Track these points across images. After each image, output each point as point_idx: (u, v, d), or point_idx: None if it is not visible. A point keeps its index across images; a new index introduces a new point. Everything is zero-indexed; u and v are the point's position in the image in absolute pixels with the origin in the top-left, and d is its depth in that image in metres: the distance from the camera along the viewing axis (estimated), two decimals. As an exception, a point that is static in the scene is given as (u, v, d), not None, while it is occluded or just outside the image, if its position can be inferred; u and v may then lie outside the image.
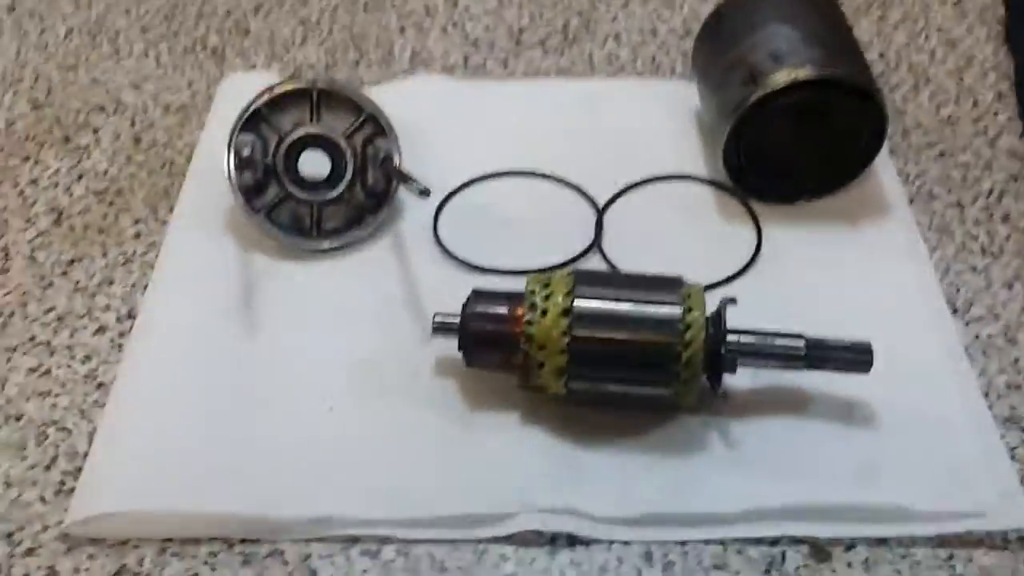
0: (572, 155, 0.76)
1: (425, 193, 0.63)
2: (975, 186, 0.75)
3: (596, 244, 0.71)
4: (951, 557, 0.55)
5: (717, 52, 0.73)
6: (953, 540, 0.56)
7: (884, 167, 0.74)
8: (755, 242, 0.71)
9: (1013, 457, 0.59)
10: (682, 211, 0.73)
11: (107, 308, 0.67)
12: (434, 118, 0.79)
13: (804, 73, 0.66)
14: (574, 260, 0.69)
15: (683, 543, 0.56)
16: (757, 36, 0.70)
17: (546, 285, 0.59)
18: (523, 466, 0.58)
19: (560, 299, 0.58)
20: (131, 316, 0.67)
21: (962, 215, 0.73)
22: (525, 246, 0.70)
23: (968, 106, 0.82)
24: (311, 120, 0.70)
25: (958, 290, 0.68)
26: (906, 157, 0.77)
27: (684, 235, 0.72)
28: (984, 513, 0.56)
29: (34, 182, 0.76)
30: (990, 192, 0.75)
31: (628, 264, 0.69)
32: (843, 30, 0.72)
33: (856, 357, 0.59)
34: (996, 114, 0.81)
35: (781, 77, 0.67)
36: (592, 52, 0.87)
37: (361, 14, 0.91)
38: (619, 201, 0.74)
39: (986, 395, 0.62)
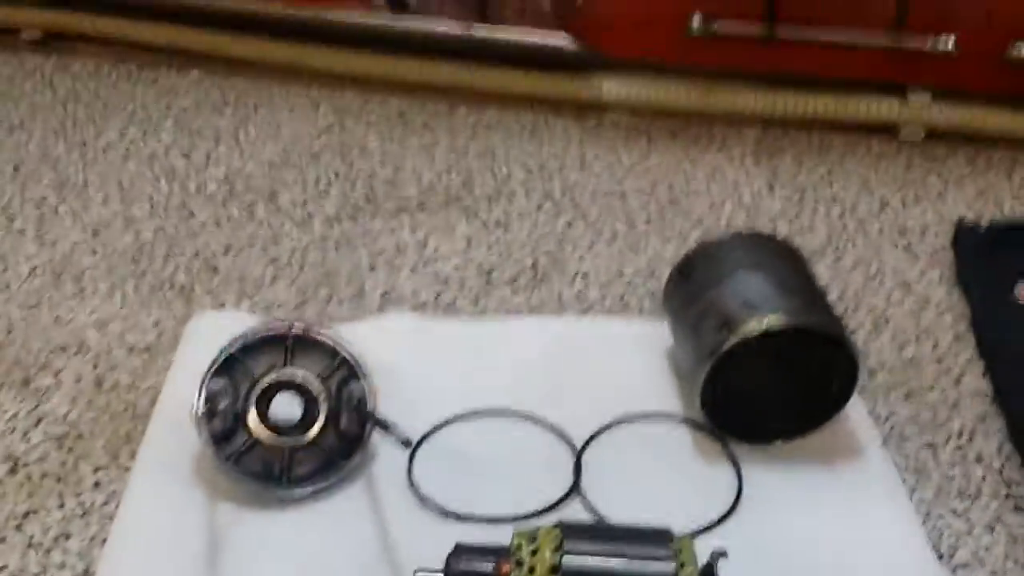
0: (547, 394, 0.76)
1: (407, 443, 0.61)
2: (946, 426, 0.76)
3: (576, 487, 0.69)
4: None
5: (689, 297, 0.74)
6: None
7: (855, 408, 0.75)
8: (735, 483, 0.70)
9: None
10: (661, 451, 0.72)
11: (63, 566, 0.63)
12: (406, 357, 0.78)
13: (777, 322, 0.68)
14: (555, 505, 0.68)
15: None
16: (728, 283, 0.72)
17: (532, 539, 0.57)
18: None
19: (548, 555, 0.56)
20: (88, 574, 0.62)
21: (936, 456, 0.73)
22: (503, 490, 0.69)
23: (929, 347, 0.84)
24: (285, 363, 0.69)
25: (941, 534, 0.67)
26: (875, 398, 0.78)
27: (664, 477, 0.71)
28: None
29: (-11, 427, 0.73)
30: (960, 432, 0.75)
31: (608, 507, 0.68)
32: (809, 278, 0.75)
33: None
34: (957, 355, 0.83)
35: (754, 325, 0.68)
36: (561, 291, 0.88)
37: (332, 252, 0.92)
38: (596, 441, 0.73)
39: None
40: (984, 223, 0.97)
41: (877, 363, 0.82)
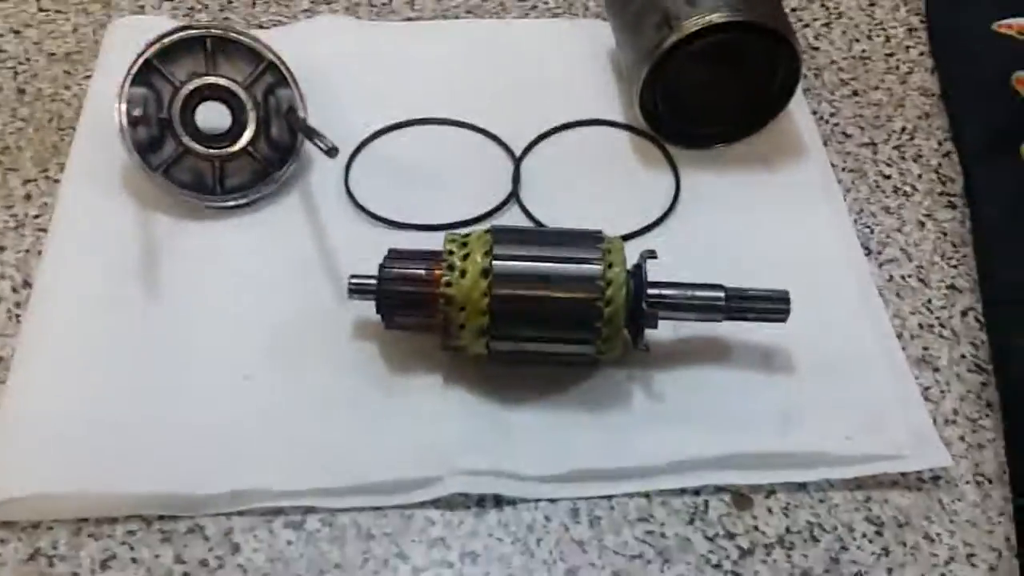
0: (487, 100, 0.74)
1: (333, 152, 0.60)
2: (887, 124, 0.75)
3: (514, 195, 0.69)
4: (868, 499, 0.57)
5: (628, -7, 0.71)
6: (870, 482, 0.57)
7: (799, 108, 0.74)
8: (673, 188, 0.70)
9: (926, 398, 0.60)
10: (600, 158, 0.72)
11: (1, 277, 0.64)
12: (339, 63, 0.75)
13: (718, 17, 0.65)
14: (492, 213, 0.68)
15: (609, 498, 0.56)
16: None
17: (464, 244, 0.58)
18: (447, 429, 0.57)
19: (479, 259, 0.57)
20: (27, 285, 0.63)
21: (875, 155, 0.73)
22: (441, 198, 0.68)
23: (880, 41, 0.81)
24: (207, 70, 0.67)
25: (872, 231, 0.69)
26: (820, 97, 0.77)
27: (603, 182, 0.70)
28: (898, 455, 0.57)
29: (-92, 141, 0.71)
30: (902, 130, 0.75)
31: (547, 213, 0.68)
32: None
33: (774, 307, 0.59)
34: (908, 49, 0.81)
35: (695, 21, 0.65)
36: (503, -12, 0.84)
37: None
38: (536, 149, 0.72)
39: (900, 336, 0.63)
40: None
41: (826, 60, 0.80)
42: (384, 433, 0.57)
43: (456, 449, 0.56)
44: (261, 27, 0.80)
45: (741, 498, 0.56)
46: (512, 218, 0.68)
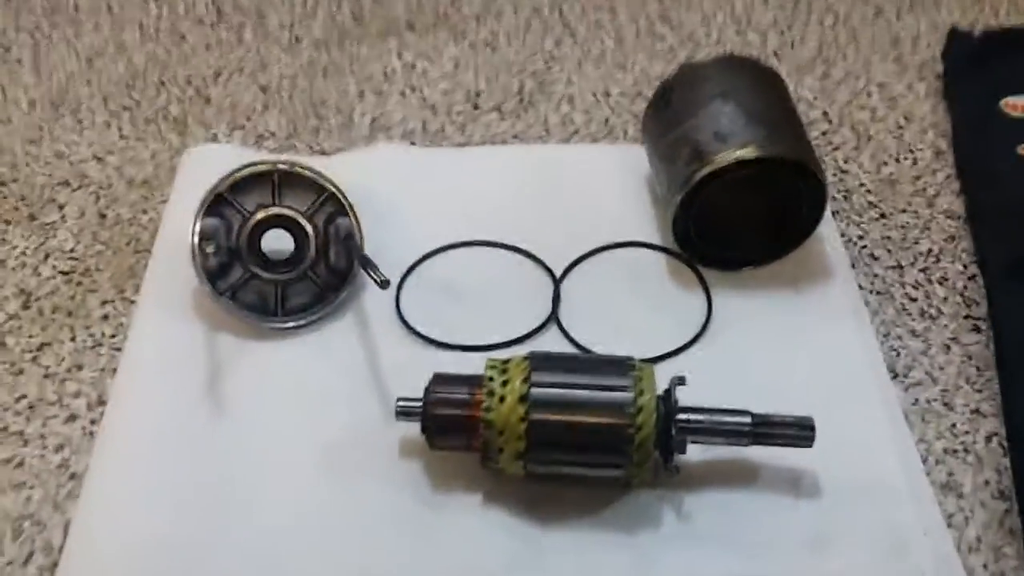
0: (530, 223, 0.79)
1: (385, 284, 0.65)
2: (913, 247, 0.78)
3: (554, 316, 0.73)
4: (892, 624, 0.59)
5: (665, 127, 0.75)
6: (901, 609, 0.59)
7: (828, 230, 0.77)
8: (706, 309, 0.74)
9: (950, 524, 0.62)
10: (637, 279, 0.76)
11: (77, 395, 0.69)
12: (394, 188, 0.81)
13: (745, 153, 0.69)
14: (532, 334, 0.72)
15: (641, 621, 0.59)
16: (701, 114, 0.73)
17: (504, 371, 0.62)
18: (487, 548, 0.61)
19: (518, 385, 0.61)
20: (101, 402, 0.68)
21: (901, 277, 0.76)
22: (485, 317, 0.73)
23: (908, 164, 0.85)
24: (273, 201, 0.72)
25: (898, 354, 0.71)
26: (848, 219, 0.80)
27: (639, 303, 0.74)
28: (922, 581, 0.59)
29: (1, 263, 0.77)
30: (928, 253, 0.78)
31: (584, 333, 0.72)
32: (784, 104, 0.75)
33: (799, 433, 0.62)
34: (935, 172, 0.84)
35: (725, 156, 0.70)
36: (547, 115, 0.89)
37: (320, 79, 0.93)
38: (575, 270, 0.76)
39: (925, 461, 0.65)
40: (978, 32, 0.95)
41: (855, 183, 0.83)
42: (428, 555, 0.61)
43: (495, 570, 0.60)
44: (324, 153, 0.86)
45: (767, 622, 0.59)
46: (551, 337, 0.72)
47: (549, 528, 0.62)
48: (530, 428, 0.60)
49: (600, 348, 0.71)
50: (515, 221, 0.79)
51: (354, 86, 0.92)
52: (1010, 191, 0.80)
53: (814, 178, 0.71)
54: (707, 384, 0.63)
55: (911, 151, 0.86)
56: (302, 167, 0.73)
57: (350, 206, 0.73)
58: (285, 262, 0.72)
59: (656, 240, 0.78)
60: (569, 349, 0.72)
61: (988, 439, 0.67)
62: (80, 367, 0.71)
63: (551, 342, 0.72)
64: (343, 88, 0.92)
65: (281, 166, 0.72)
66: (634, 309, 0.74)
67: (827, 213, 0.75)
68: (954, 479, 0.65)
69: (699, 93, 0.74)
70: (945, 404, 0.68)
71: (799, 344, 0.71)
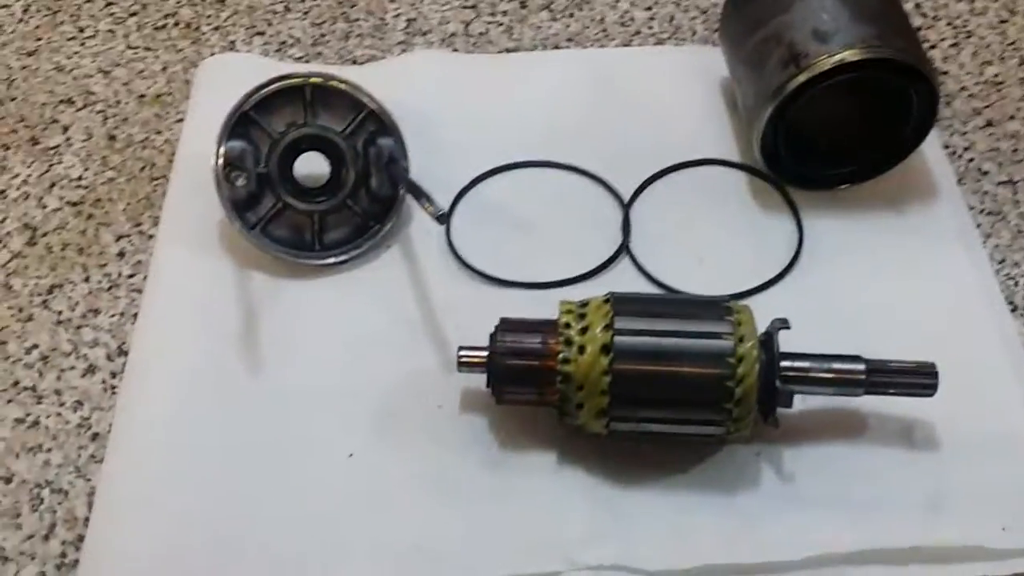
0: (592, 139, 0.70)
1: (443, 218, 0.57)
2: (1029, 160, 0.70)
3: (624, 246, 0.65)
4: (1028, 597, 0.52)
5: (750, 24, 0.66)
6: (1030, 578, 0.52)
7: (930, 142, 0.68)
8: (796, 236, 0.65)
9: (1087, 480, 0.55)
10: (715, 202, 0.67)
11: (95, 344, 0.62)
12: (437, 102, 0.72)
13: (852, 54, 0.60)
14: (602, 268, 0.64)
15: (741, 593, 0.52)
16: (796, 9, 0.63)
17: (582, 316, 0.54)
18: (564, 516, 0.54)
19: (599, 333, 0.53)
20: (122, 352, 0.61)
21: (1015, 194, 0.68)
22: (547, 250, 0.65)
23: (1014, 64, 0.75)
24: (306, 120, 0.64)
25: (1017, 284, 0.63)
26: (951, 129, 0.71)
27: (719, 230, 0.66)
28: (1061, 548, 0.52)
29: (2, 193, 0.69)
30: (1042, 167, 0.69)
31: (659, 266, 0.64)
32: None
33: (920, 382, 0.54)
34: (1046, 72, 0.75)
35: (827, 60, 0.60)
36: (604, 13, 0.79)
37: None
38: (645, 193, 0.68)
39: (1053, 406, 0.58)
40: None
41: (955, 87, 0.74)
42: (496, 522, 0.54)
43: (576, 542, 0.53)
44: (355, 62, 0.76)
45: (885, 594, 0.52)
46: (623, 271, 0.64)
47: (634, 492, 0.55)
48: (615, 381, 0.52)
49: (678, 282, 0.63)
50: (574, 138, 0.70)
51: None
52: None
53: (926, 83, 0.62)
54: (802, 322, 0.55)
55: (1017, 48, 0.76)
56: (339, 80, 0.64)
57: (394, 125, 0.64)
58: (321, 189, 0.64)
59: (737, 157, 0.69)
60: (643, 282, 0.64)
61: None
62: (96, 312, 0.63)
63: (623, 276, 0.64)
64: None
65: (314, 79, 0.63)
66: (715, 237, 0.66)
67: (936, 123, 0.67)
68: (1091, 428, 0.57)
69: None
70: (1078, 340, 0.61)
71: (903, 275, 0.63)
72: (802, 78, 0.61)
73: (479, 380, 0.56)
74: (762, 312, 0.55)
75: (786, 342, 0.54)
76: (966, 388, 0.57)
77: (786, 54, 0.62)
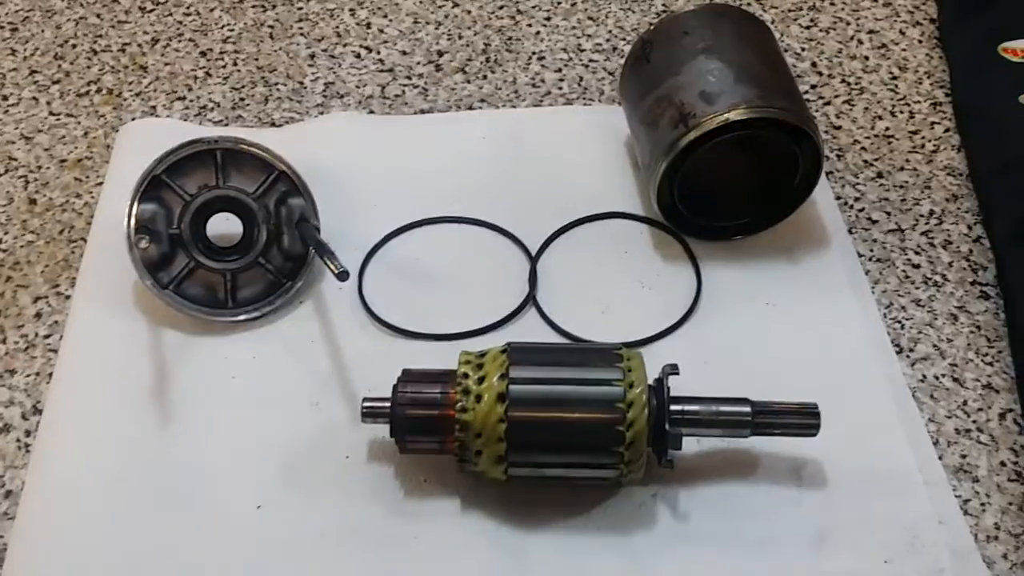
0: (501, 195, 0.73)
1: (343, 275, 0.59)
2: (914, 208, 0.73)
3: (531, 297, 0.67)
4: (909, 625, 0.54)
5: (645, 87, 0.69)
6: (911, 607, 0.54)
7: (822, 193, 0.72)
8: (695, 285, 0.68)
9: (965, 511, 0.58)
10: (618, 254, 0.70)
11: (10, 403, 0.63)
12: (352, 161, 0.74)
13: (736, 114, 0.63)
14: (508, 319, 0.66)
15: (636, 631, 0.54)
16: (685, 71, 0.66)
17: (479, 366, 0.56)
18: (467, 561, 0.55)
19: (495, 382, 0.55)
20: (37, 411, 0.62)
21: (903, 242, 0.71)
22: (457, 302, 0.67)
23: (904, 118, 0.79)
24: (218, 182, 0.66)
25: (902, 326, 0.66)
26: (843, 179, 0.75)
27: (622, 280, 0.69)
28: (940, 577, 0.55)
29: (-79, 258, 0.70)
30: (930, 214, 0.73)
31: (565, 314, 0.66)
32: (773, 58, 0.69)
33: (802, 422, 0.57)
34: (932, 125, 0.79)
35: (712, 120, 0.63)
36: (516, 75, 0.83)
37: (267, 42, 0.85)
38: (552, 246, 0.70)
39: (936, 443, 0.60)
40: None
41: (848, 140, 0.78)
42: (401, 567, 0.55)
43: (475, 582, 0.54)
44: (274, 124, 0.79)
45: (774, 628, 0.54)
46: (530, 322, 0.66)
47: (533, 534, 0.56)
48: (510, 429, 0.54)
49: (583, 331, 0.65)
50: (485, 194, 0.73)
51: (304, 48, 0.85)
52: (1014, 144, 0.74)
53: (810, 140, 0.65)
54: (698, 367, 0.58)
55: (907, 103, 0.80)
56: (248, 143, 0.66)
57: (303, 185, 0.67)
58: (234, 248, 0.66)
59: (639, 210, 0.72)
60: (549, 333, 0.66)
61: (1002, 416, 0.62)
62: (12, 372, 0.64)
63: (529, 326, 0.66)
64: (292, 51, 0.84)
65: (224, 143, 0.66)
66: (618, 287, 0.68)
67: (825, 174, 0.70)
68: (967, 462, 0.60)
69: (681, 47, 0.68)
70: (955, 380, 0.64)
71: (795, 320, 0.66)
72: (691, 136, 0.64)
73: (384, 430, 0.57)
74: (662, 359, 0.57)
75: (681, 387, 0.57)
76: (853, 428, 0.60)
77: (676, 114, 0.65)
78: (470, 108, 0.80)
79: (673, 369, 0.57)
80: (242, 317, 0.66)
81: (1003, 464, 0.60)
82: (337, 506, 0.57)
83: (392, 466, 0.59)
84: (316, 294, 0.67)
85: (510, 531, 0.57)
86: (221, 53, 0.84)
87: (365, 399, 0.57)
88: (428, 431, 0.56)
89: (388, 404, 0.57)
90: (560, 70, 0.83)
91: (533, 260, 0.69)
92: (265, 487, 0.58)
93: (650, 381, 0.56)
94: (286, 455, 0.59)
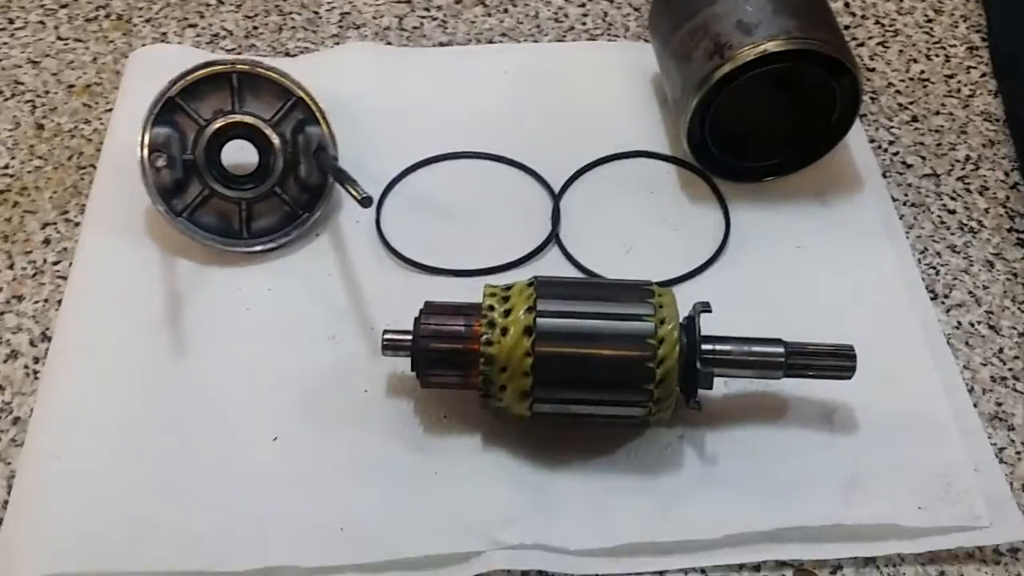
0: (523, 131, 0.70)
1: (367, 201, 0.56)
2: (950, 154, 0.71)
3: (554, 235, 0.65)
4: (942, 574, 0.53)
5: (677, 18, 0.66)
6: (944, 555, 0.53)
7: (855, 136, 0.70)
8: (723, 226, 0.66)
9: (1001, 460, 0.56)
10: (644, 193, 0.68)
11: (18, 329, 0.61)
12: (369, 93, 0.72)
13: (775, 45, 0.61)
14: (531, 256, 0.64)
15: (661, 573, 0.52)
16: (721, 2, 0.64)
17: (505, 299, 0.54)
18: (488, 498, 0.54)
19: (521, 315, 0.53)
20: (46, 338, 0.60)
21: (938, 187, 0.69)
22: (477, 239, 0.65)
23: (939, 62, 0.77)
24: (233, 107, 0.63)
25: (937, 272, 0.64)
26: (877, 123, 0.73)
27: (647, 221, 0.67)
28: (975, 526, 0.53)
29: (-76, 181, 0.68)
30: (966, 160, 0.71)
31: (588, 255, 0.64)
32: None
33: (839, 363, 0.55)
34: (969, 70, 0.76)
35: (750, 51, 0.61)
36: (538, 9, 0.80)
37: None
38: (576, 184, 0.68)
39: (971, 391, 0.59)
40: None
41: (882, 83, 0.75)
42: (420, 502, 0.54)
43: (497, 521, 0.53)
44: (288, 54, 0.76)
45: (804, 574, 0.52)
46: (552, 260, 0.65)
47: (557, 473, 0.55)
48: (537, 363, 0.52)
49: (606, 271, 0.63)
50: (506, 130, 0.70)
51: (321, -23, 0.82)
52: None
53: (850, 75, 0.63)
54: (727, 310, 0.56)
55: (943, 47, 0.78)
56: (265, 67, 0.64)
57: (321, 112, 0.64)
58: (249, 177, 0.64)
59: (666, 149, 0.70)
60: (571, 271, 0.64)
61: (1041, 365, 0.60)
62: (20, 298, 0.62)
63: (552, 265, 0.64)
64: (308, -21, 0.82)
65: (241, 66, 0.63)
66: (643, 227, 0.66)
67: (861, 116, 0.68)
68: (1003, 409, 0.58)
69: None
70: (991, 327, 0.62)
71: (827, 263, 0.64)
72: (726, 68, 0.62)
73: (404, 364, 0.55)
74: (688, 300, 0.55)
75: (711, 328, 0.55)
76: (886, 373, 0.58)
77: (711, 46, 0.63)
78: (490, 42, 0.78)
79: (705, 307, 0.55)
80: (257, 248, 0.64)
81: (1040, 413, 0.58)
82: (355, 440, 0.56)
83: (412, 401, 0.57)
84: (333, 227, 0.65)
85: (532, 469, 0.55)
86: (235, -21, 0.82)
87: (386, 331, 0.55)
88: (451, 365, 0.54)
89: (410, 337, 0.55)
90: (584, 4, 0.80)
91: (556, 198, 0.67)
92: (281, 419, 0.56)
93: (681, 320, 0.54)
94: (303, 388, 0.58)
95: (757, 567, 0.53)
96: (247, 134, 0.63)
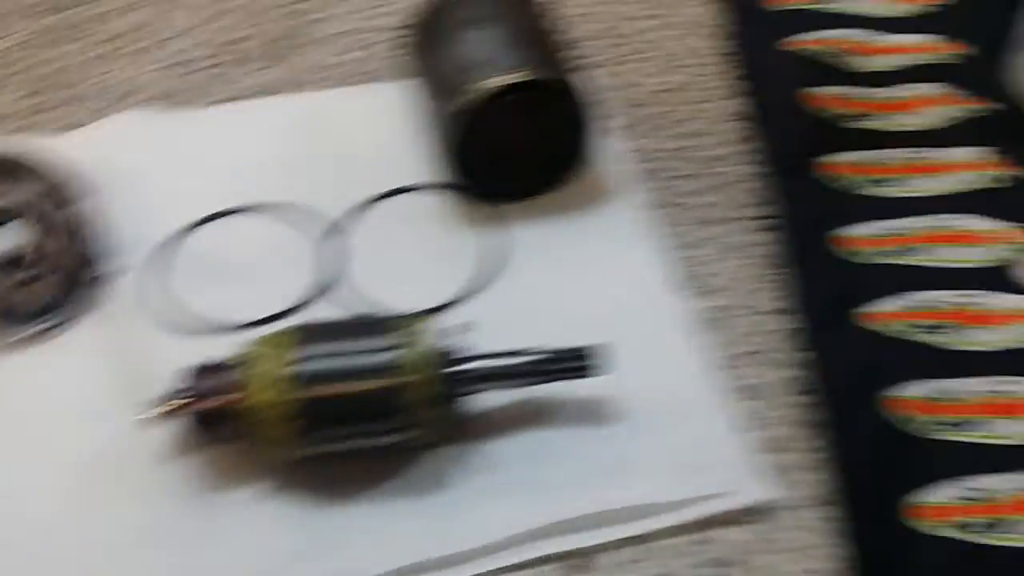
0: (297, 183, 0.73)
1: (123, 273, 0.57)
2: (706, 153, 0.75)
3: (333, 277, 0.67)
4: (709, 541, 0.56)
5: (426, 62, 0.71)
6: (710, 521, 0.57)
7: (614, 146, 0.74)
8: (497, 247, 0.69)
9: (750, 428, 0.60)
10: (420, 225, 0.71)
11: None
12: (144, 158, 0.73)
13: (507, 79, 0.65)
14: (308, 301, 0.66)
15: (452, 584, 0.55)
16: (454, 46, 0.68)
17: (265, 348, 0.56)
18: (273, 543, 0.55)
19: (277, 364, 0.55)
20: None
21: (692, 186, 0.73)
22: (257, 290, 0.67)
23: (694, 70, 0.82)
24: (-16, 195, 0.64)
25: (693, 264, 0.68)
26: (639, 131, 0.77)
27: (425, 251, 0.69)
28: (731, 491, 0.57)
29: None
30: (718, 159, 0.75)
31: (367, 291, 0.67)
32: (541, 25, 0.71)
33: (575, 364, 0.58)
34: (721, 75, 0.81)
35: (483, 85, 0.65)
36: (312, 59, 0.82)
37: (64, 46, 0.83)
38: (354, 223, 0.70)
39: (724, 368, 0.63)
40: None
41: (636, 94, 0.80)
42: (208, 563, 0.55)
43: (282, 564, 0.54)
44: (59, 130, 0.76)
45: (578, 561, 0.55)
46: (336, 303, 0.66)
47: (345, 507, 0.57)
48: (298, 408, 0.54)
49: (386, 304, 0.66)
50: (281, 182, 0.73)
51: (78, 52, 0.83)
52: (772, 89, 0.78)
53: (573, 98, 0.67)
54: (502, 327, 0.59)
55: (696, 55, 0.83)
56: (20, 153, 0.64)
57: (86, 192, 0.66)
58: (14, 262, 0.64)
59: (437, 180, 0.73)
60: (351, 312, 0.66)
61: (788, 338, 0.65)
62: None
63: (334, 307, 0.66)
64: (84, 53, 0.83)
65: (-13, 154, 0.64)
66: (422, 257, 0.69)
67: (616, 129, 0.73)
68: (750, 383, 0.62)
69: (452, 23, 0.69)
70: (743, 307, 0.66)
71: (595, 269, 0.68)
72: (464, 106, 0.65)
73: (177, 427, 0.57)
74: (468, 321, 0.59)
75: (488, 348, 0.58)
76: (647, 363, 0.62)
77: (453, 84, 0.67)
78: (264, 96, 0.80)
79: (461, 329, 0.58)
80: (26, 333, 0.64)
81: (789, 381, 0.63)
82: (137, 508, 0.57)
83: (192, 461, 0.58)
84: (106, 301, 0.66)
85: (322, 510, 0.57)
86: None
87: (154, 399, 0.57)
88: (217, 421, 0.56)
89: (179, 401, 0.56)
90: (351, 51, 0.83)
91: (334, 240, 0.69)
92: (67, 503, 0.57)
93: (435, 343, 0.57)
94: (83, 464, 0.58)
95: (545, 560, 0.55)
96: (8, 219, 0.64)
